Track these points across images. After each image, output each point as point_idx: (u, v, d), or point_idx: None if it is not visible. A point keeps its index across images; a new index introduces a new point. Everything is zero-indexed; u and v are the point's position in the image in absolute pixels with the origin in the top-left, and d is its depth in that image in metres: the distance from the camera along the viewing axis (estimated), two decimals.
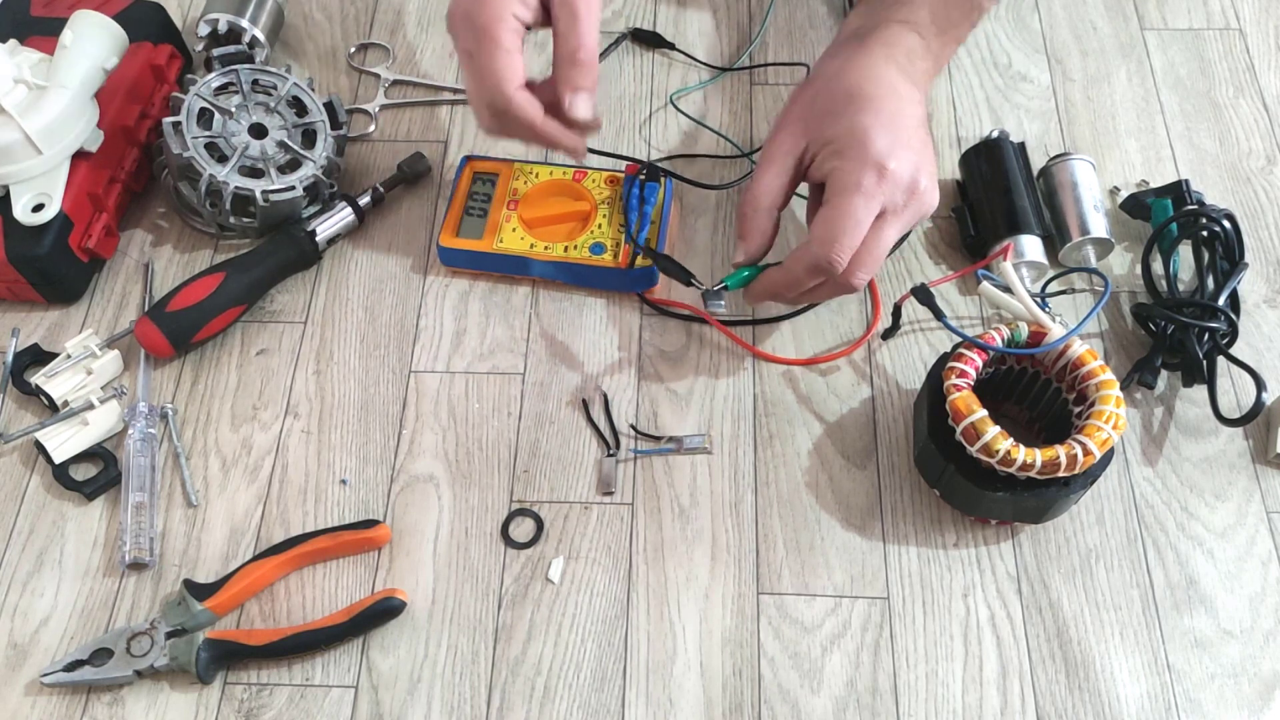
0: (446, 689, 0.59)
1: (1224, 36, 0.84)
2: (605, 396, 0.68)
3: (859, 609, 0.61)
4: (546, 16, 0.61)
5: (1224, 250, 0.68)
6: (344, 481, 0.66)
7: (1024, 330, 0.61)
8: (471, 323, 0.71)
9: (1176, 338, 0.66)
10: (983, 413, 0.57)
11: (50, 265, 0.69)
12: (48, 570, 0.63)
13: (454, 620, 0.61)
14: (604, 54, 0.83)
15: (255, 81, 0.73)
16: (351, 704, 0.59)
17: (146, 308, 0.70)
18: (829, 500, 0.64)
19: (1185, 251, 0.70)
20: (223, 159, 0.70)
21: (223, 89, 0.72)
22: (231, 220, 0.72)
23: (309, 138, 0.73)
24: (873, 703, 0.58)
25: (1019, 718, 0.58)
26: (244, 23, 0.79)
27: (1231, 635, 0.60)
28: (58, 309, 0.72)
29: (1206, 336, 0.66)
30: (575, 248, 0.70)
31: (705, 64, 0.83)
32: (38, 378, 0.67)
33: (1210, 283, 0.67)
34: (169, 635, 0.59)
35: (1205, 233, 0.68)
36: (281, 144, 0.72)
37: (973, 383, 0.59)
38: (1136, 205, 0.73)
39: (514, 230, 0.72)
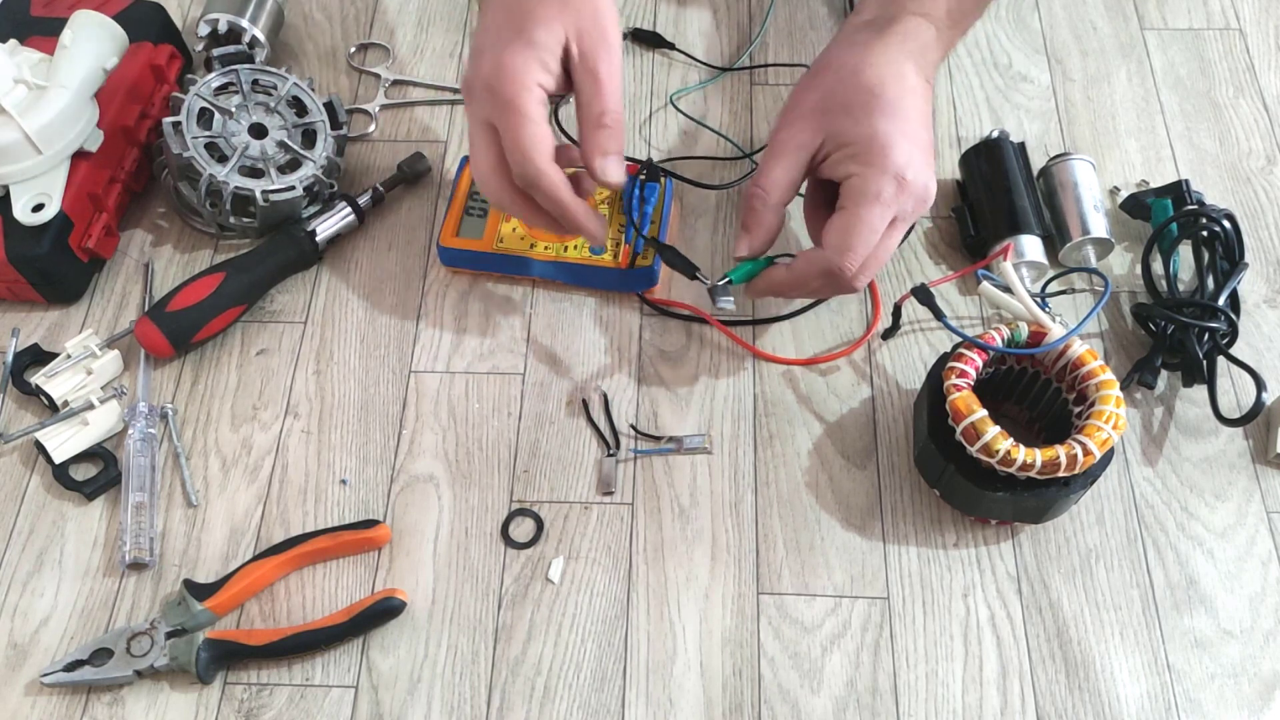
0: (446, 689, 0.59)
1: (1224, 36, 0.84)
2: (605, 396, 0.68)
3: (859, 609, 0.61)
4: (568, 81, 0.60)
5: (1224, 250, 0.68)
6: (344, 481, 0.66)
7: (1024, 330, 0.61)
8: (471, 323, 0.71)
9: (1176, 338, 0.66)
10: (983, 413, 0.57)
11: (50, 265, 0.69)
12: (48, 570, 0.63)
13: (454, 620, 0.61)
14: None
15: (255, 81, 0.73)
16: (351, 704, 0.59)
17: (146, 308, 0.70)
18: (829, 500, 0.64)
19: (1185, 251, 0.70)
20: (223, 159, 0.71)
21: (223, 89, 0.72)
22: (231, 220, 0.72)
23: (309, 138, 0.73)
24: (873, 703, 0.58)
25: (1019, 718, 0.58)
26: (244, 23, 0.79)
27: (1231, 635, 0.60)
28: (58, 309, 0.72)
29: (1206, 336, 0.66)
30: (575, 247, 0.70)
31: (705, 64, 0.83)
32: (38, 378, 0.67)
33: (1210, 283, 0.67)
34: (169, 635, 0.59)
35: (1205, 233, 0.68)
36: (281, 144, 0.72)
37: (973, 383, 0.59)
38: (1136, 205, 0.73)
39: (514, 230, 0.72)
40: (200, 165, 0.69)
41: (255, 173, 0.71)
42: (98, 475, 0.65)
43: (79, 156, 0.70)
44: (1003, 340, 0.60)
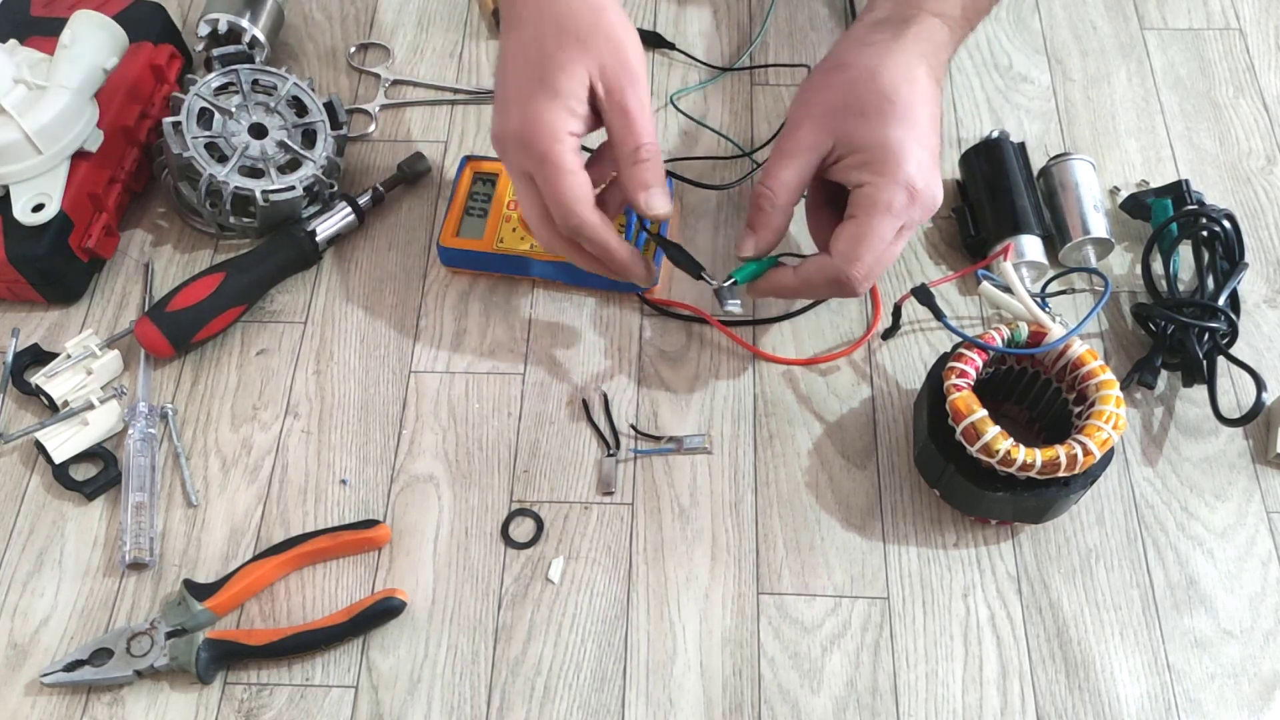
0: (446, 689, 0.59)
1: (1224, 36, 0.84)
2: (605, 396, 0.68)
3: (859, 609, 0.61)
4: (598, 118, 0.60)
5: (1224, 250, 0.68)
6: (344, 481, 0.66)
7: (1024, 330, 0.61)
8: (471, 323, 0.71)
9: (1176, 338, 0.66)
10: (983, 413, 0.57)
11: (50, 265, 0.69)
12: (48, 570, 0.63)
13: (454, 620, 0.61)
14: None
15: (255, 81, 0.73)
16: (351, 704, 0.59)
17: (146, 308, 0.70)
18: (829, 500, 0.64)
19: (1185, 251, 0.70)
20: (223, 159, 0.71)
21: (223, 89, 0.72)
22: (231, 220, 0.72)
23: (309, 138, 0.73)
24: (873, 703, 0.58)
25: (1019, 718, 0.58)
26: (244, 23, 0.79)
27: (1231, 635, 0.60)
28: (58, 309, 0.72)
29: (1206, 336, 0.66)
30: None
31: (705, 64, 0.83)
32: (38, 378, 0.67)
33: (1210, 283, 0.67)
34: (169, 635, 0.59)
35: (1205, 233, 0.68)
36: (281, 144, 0.72)
37: (973, 383, 0.59)
38: (1136, 205, 0.73)
39: (514, 230, 0.72)
40: (200, 165, 0.69)
41: (255, 173, 0.71)
42: (98, 475, 0.65)
43: (79, 156, 0.70)
44: (1003, 340, 0.60)
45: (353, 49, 0.85)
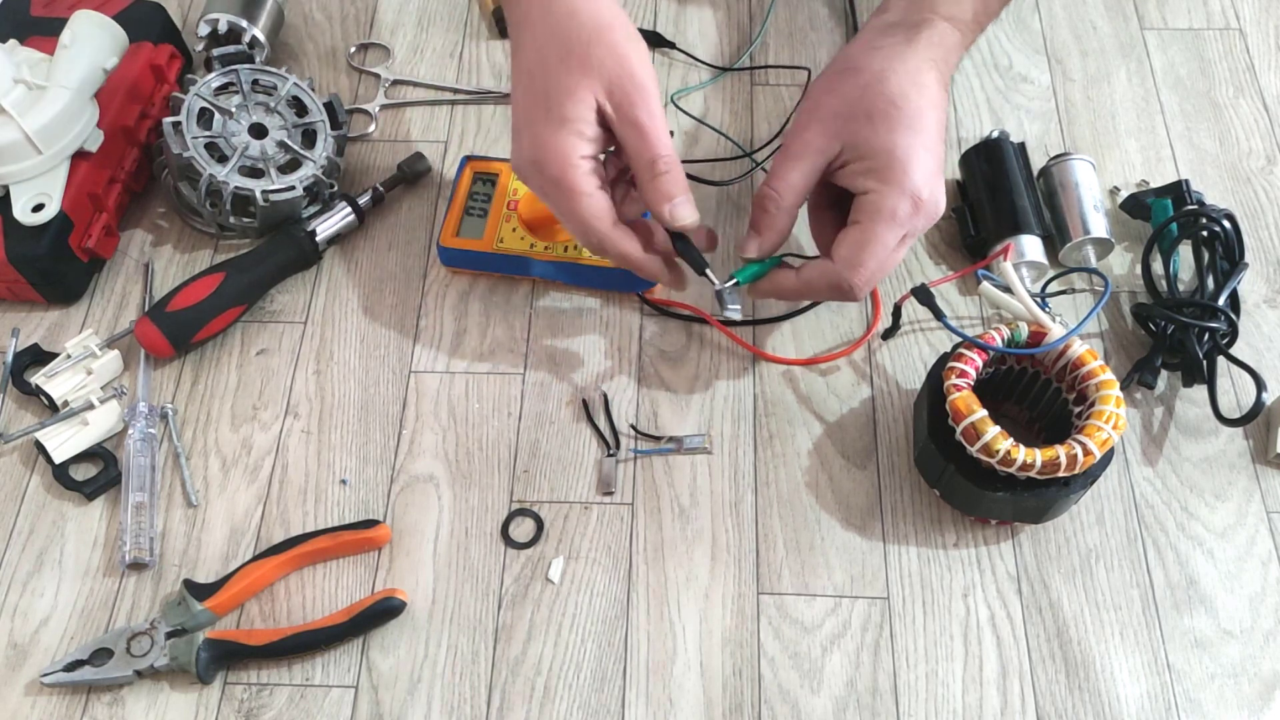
0: (446, 689, 0.59)
1: (1224, 36, 0.84)
2: (605, 396, 0.68)
3: (859, 609, 0.61)
4: (610, 135, 0.59)
5: (1224, 250, 0.68)
6: (344, 481, 0.66)
7: (1024, 330, 0.61)
8: (471, 323, 0.71)
9: (1176, 338, 0.66)
10: (983, 413, 0.57)
11: (50, 265, 0.69)
12: (48, 570, 0.63)
13: (454, 620, 0.61)
14: None
15: (255, 81, 0.73)
16: (351, 704, 0.59)
17: (146, 308, 0.70)
18: (829, 500, 0.64)
19: (1185, 251, 0.70)
20: (223, 159, 0.71)
21: (223, 89, 0.72)
22: (231, 220, 0.72)
23: (309, 138, 0.73)
24: (873, 703, 0.58)
25: (1019, 718, 0.58)
26: (244, 23, 0.79)
27: (1231, 635, 0.60)
28: (58, 309, 0.72)
29: (1206, 336, 0.66)
30: (575, 248, 0.70)
31: (706, 64, 0.83)
32: (38, 378, 0.67)
33: (1210, 283, 0.67)
34: (169, 635, 0.59)
35: (1205, 233, 0.68)
36: (281, 144, 0.72)
37: (973, 383, 0.59)
38: (1136, 205, 0.73)
39: (514, 230, 0.72)
40: (200, 165, 0.69)
41: (255, 173, 0.71)
42: (98, 475, 0.65)
43: (79, 156, 0.70)
44: (1003, 340, 0.60)
45: (353, 49, 0.85)
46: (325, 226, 0.73)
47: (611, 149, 0.61)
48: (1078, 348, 0.59)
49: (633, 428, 0.67)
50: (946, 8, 0.63)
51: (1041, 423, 0.64)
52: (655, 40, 0.84)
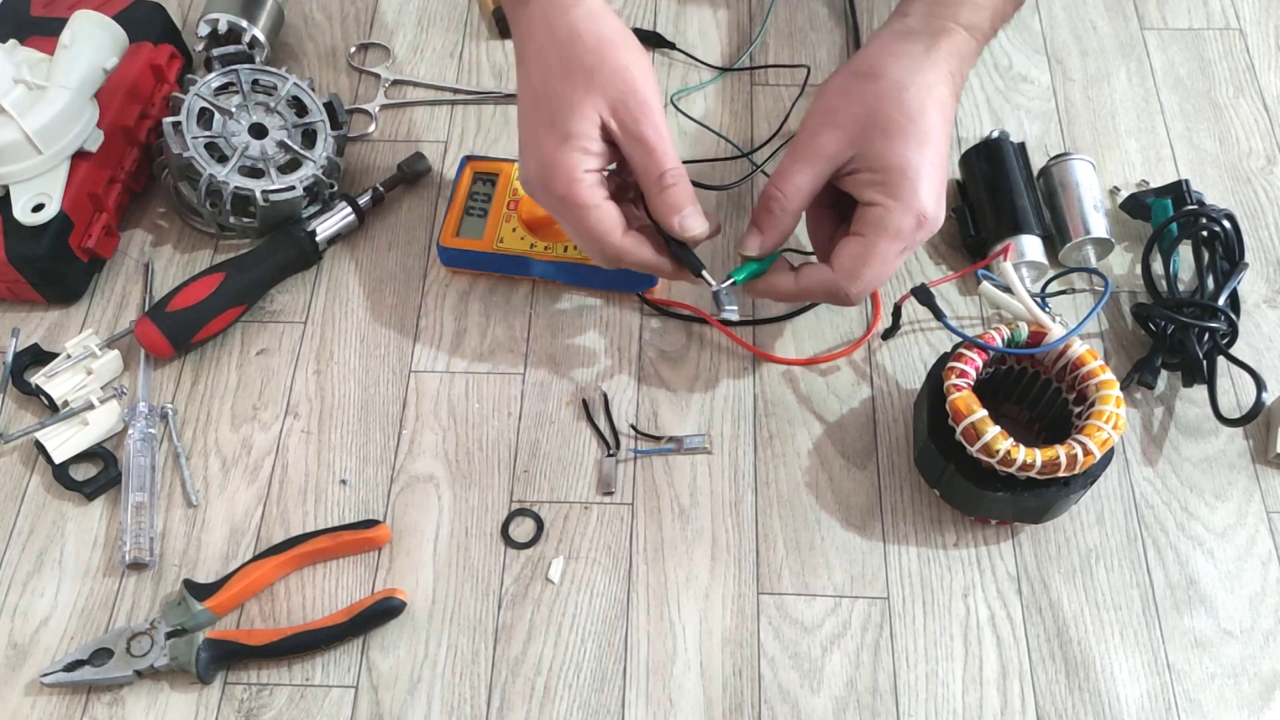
0: (446, 689, 0.59)
1: (1224, 36, 0.84)
2: (605, 396, 0.68)
3: (859, 609, 0.61)
4: (615, 149, 0.59)
5: (1224, 250, 0.68)
6: (344, 481, 0.66)
7: (1024, 330, 0.61)
8: (471, 323, 0.71)
9: (1176, 338, 0.66)
10: (983, 413, 0.57)
11: (50, 265, 0.69)
12: (48, 570, 0.63)
13: (454, 620, 0.61)
14: None
15: (255, 81, 0.73)
16: (351, 704, 0.59)
17: (146, 308, 0.70)
18: (829, 500, 0.64)
19: (1185, 251, 0.70)
20: (223, 159, 0.71)
21: (223, 89, 0.72)
22: (231, 220, 0.72)
23: (309, 138, 0.73)
24: (873, 703, 0.58)
25: (1019, 718, 0.58)
26: (244, 23, 0.79)
27: (1231, 635, 0.60)
28: (58, 309, 0.72)
29: (1206, 336, 0.66)
30: (575, 248, 0.70)
31: (705, 64, 0.83)
32: (38, 378, 0.67)
33: (1210, 283, 0.67)
34: (169, 635, 0.59)
35: (1205, 233, 0.68)
36: (281, 144, 0.72)
37: (973, 383, 0.59)
38: (1136, 205, 0.73)
39: (514, 230, 0.72)
40: (200, 165, 0.69)
41: (255, 173, 0.71)
42: (98, 475, 0.65)
43: (79, 156, 0.70)
44: (1003, 340, 0.60)
45: (353, 49, 0.85)
46: (325, 226, 0.73)
47: (613, 165, 0.61)
48: (1078, 348, 0.59)
49: (633, 428, 0.67)
50: (967, 16, 0.63)
51: (1041, 423, 0.64)
52: (655, 40, 0.84)
